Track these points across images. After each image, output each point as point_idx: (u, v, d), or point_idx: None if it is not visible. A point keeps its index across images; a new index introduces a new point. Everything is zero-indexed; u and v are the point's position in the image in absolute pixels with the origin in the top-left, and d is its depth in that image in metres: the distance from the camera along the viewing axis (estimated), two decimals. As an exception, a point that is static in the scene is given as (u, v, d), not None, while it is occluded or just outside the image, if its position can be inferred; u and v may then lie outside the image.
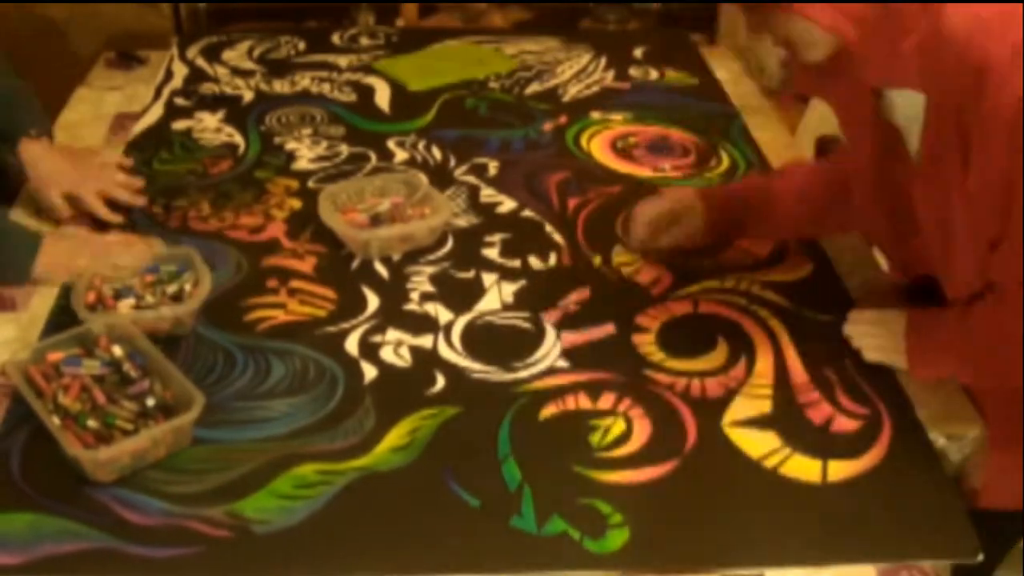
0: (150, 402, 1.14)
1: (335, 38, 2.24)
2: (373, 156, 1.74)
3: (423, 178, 1.60)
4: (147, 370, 1.19)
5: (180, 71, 2.06)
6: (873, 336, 1.27)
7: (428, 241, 1.49)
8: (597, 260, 1.43)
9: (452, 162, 1.73)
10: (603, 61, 2.15)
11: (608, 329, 1.32)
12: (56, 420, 1.11)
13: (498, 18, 2.89)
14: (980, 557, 1.02)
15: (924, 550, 1.03)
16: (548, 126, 1.86)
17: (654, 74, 2.10)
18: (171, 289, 1.31)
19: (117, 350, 1.21)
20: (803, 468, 1.12)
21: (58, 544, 1.00)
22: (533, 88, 2.02)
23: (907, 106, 1.13)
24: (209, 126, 1.82)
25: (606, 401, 1.20)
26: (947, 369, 1.22)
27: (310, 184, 1.64)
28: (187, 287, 1.32)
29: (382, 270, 1.43)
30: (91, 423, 1.11)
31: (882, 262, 1.51)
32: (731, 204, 1.45)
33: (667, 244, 1.44)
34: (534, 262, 1.46)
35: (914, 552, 1.03)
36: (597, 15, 3.01)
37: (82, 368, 1.18)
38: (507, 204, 1.61)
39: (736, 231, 1.46)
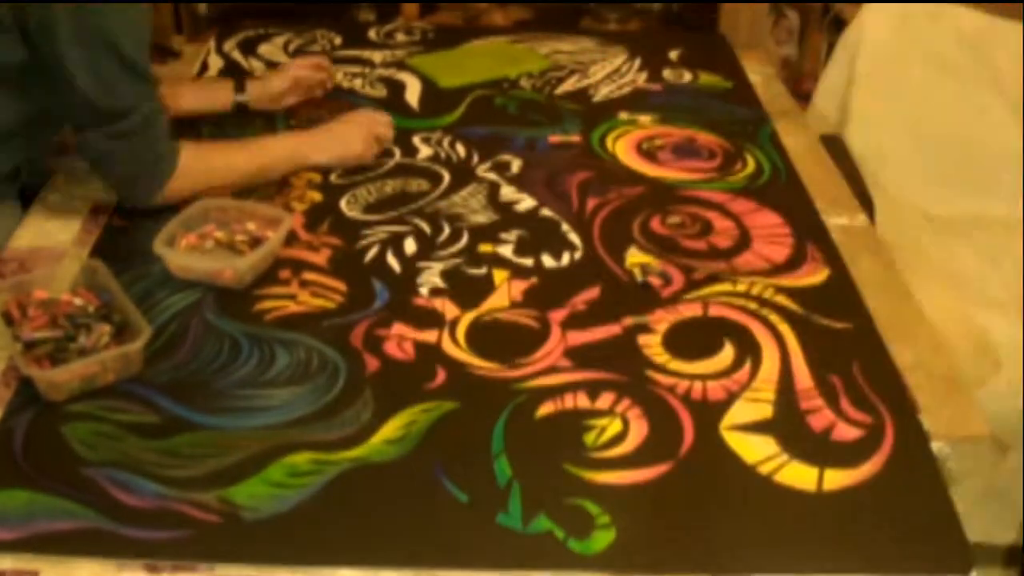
0: (103, 330, 1.23)
1: (371, 34, 2.26)
2: (397, 152, 1.75)
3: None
4: (110, 305, 1.28)
5: (216, 63, 2.09)
6: None
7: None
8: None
9: (475, 159, 1.73)
10: (637, 62, 2.14)
11: (614, 329, 1.32)
12: (18, 345, 1.20)
13: (498, 16, 2.86)
14: (972, 575, 1.00)
15: (915, 564, 1.01)
16: (556, 139, 1.86)
17: (687, 76, 2.09)
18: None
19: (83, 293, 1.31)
20: (799, 475, 1.10)
21: (51, 522, 1.02)
22: (564, 88, 2.01)
23: None
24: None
25: (604, 401, 1.20)
26: None
27: (332, 178, 1.66)
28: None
29: (394, 264, 1.44)
30: (47, 348, 1.20)
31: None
32: None
33: None
34: (547, 261, 1.46)
35: (904, 565, 1.01)
36: (597, 14, 2.98)
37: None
38: (526, 202, 1.61)
39: None
